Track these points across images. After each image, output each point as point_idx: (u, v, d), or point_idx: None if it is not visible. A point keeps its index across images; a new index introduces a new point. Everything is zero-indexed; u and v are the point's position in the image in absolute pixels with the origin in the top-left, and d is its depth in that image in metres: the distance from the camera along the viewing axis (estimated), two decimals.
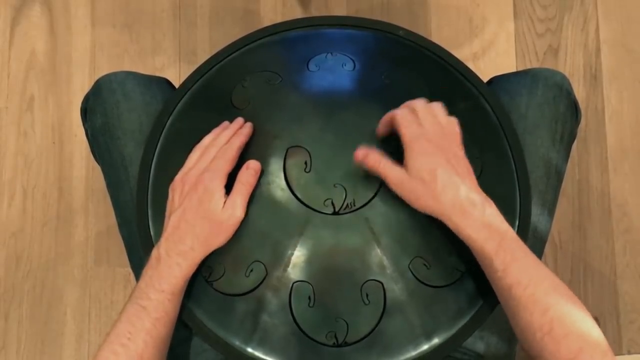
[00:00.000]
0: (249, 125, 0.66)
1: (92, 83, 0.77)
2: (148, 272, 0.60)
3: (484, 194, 0.60)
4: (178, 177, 0.64)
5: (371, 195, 0.63)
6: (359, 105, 0.67)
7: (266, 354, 0.62)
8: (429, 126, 0.61)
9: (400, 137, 0.60)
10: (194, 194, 0.61)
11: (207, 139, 0.65)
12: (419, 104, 0.63)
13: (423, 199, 0.59)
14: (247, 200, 0.61)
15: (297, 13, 1.29)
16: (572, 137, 0.76)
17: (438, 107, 0.64)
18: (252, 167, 0.62)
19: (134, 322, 0.58)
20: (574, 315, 0.56)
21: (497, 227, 0.58)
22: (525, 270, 0.57)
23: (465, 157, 0.62)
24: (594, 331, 0.55)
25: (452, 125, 0.63)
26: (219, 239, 0.61)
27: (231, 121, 0.67)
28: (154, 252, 0.61)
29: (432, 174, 0.58)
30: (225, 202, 0.60)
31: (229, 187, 0.62)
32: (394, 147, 0.62)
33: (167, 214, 0.63)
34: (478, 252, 0.58)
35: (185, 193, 0.62)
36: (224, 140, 0.64)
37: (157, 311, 0.59)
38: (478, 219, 0.58)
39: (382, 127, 0.64)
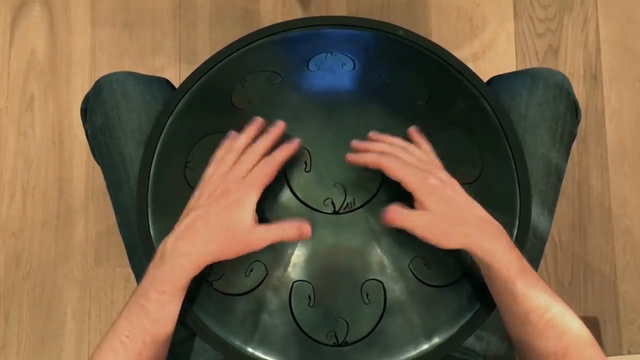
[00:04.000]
0: (297, 141, 0.61)
1: (92, 83, 0.77)
2: (151, 270, 0.59)
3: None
4: (213, 179, 0.60)
5: (371, 194, 0.63)
6: (359, 105, 0.68)
7: (266, 353, 0.62)
8: (420, 165, 0.60)
9: (402, 183, 0.58)
10: (223, 199, 0.58)
11: (242, 140, 0.61)
12: (392, 149, 0.61)
13: (450, 236, 0.57)
14: (274, 242, 0.58)
15: (297, 13, 1.29)
16: (572, 137, 0.76)
17: (409, 145, 0.62)
18: (303, 231, 0.58)
19: (133, 321, 0.58)
20: (584, 339, 0.57)
21: (516, 253, 0.58)
22: (541, 295, 0.57)
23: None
24: (599, 354, 0.57)
25: (430, 155, 0.62)
26: (231, 252, 0.58)
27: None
28: (160, 247, 0.59)
29: (453, 207, 0.58)
30: (255, 226, 0.58)
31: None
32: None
33: (185, 211, 0.60)
34: (504, 277, 0.57)
35: (215, 196, 0.59)
36: (263, 149, 0.60)
37: (157, 312, 0.58)
38: (504, 241, 0.58)
39: (354, 159, 0.61)
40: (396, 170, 0.59)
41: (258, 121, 0.64)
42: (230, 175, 0.60)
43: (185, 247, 0.58)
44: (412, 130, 0.65)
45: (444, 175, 0.60)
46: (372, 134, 0.64)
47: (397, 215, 0.58)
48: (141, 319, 0.58)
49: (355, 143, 0.62)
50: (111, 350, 0.57)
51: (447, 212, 0.58)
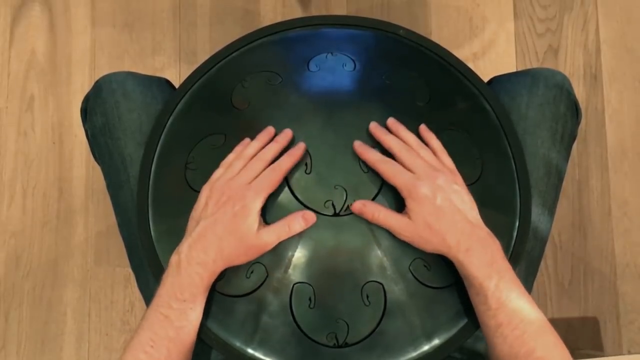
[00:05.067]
0: (301, 147, 0.63)
1: (92, 83, 0.77)
2: (168, 279, 0.59)
3: (486, 228, 0.61)
4: (218, 184, 0.61)
5: (371, 196, 0.63)
6: (360, 105, 0.67)
7: (267, 354, 0.62)
8: (420, 169, 0.61)
9: (394, 186, 0.61)
10: (230, 208, 0.59)
11: (252, 148, 0.63)
12: (399, 147, 0.62)
13: (429, 243, 0.60)
14: (282, 239, 0.60)
15: (297, 13, 1.29)
16: (572, 137, 0.76)
17: (420, 146, 0.64)
18: (307, 218, 0.60)
19: (156, 331, 0.58)
20: (557, 358, 0.57)
21: (498, 266, 0.59)
22: (517, 312, 0.57)
23: (465, 186, 0.62)
24: None
25: (442, 160, 0.63)
26: (241, 259, 0.60)
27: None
28: (174, 258, 0.60)
29: (436, 218, 0.59)
30: (261, 229, 0.59)
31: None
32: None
33: (194, 216, 0.62)
34: (477, 288, 0.59)
35: (221, 203, 0.60)
36: (270, 156, 0.62)
37: (180, 320, 0.58)
38: (481, 256, 0.58)
39: (360, 150, 0.63)
40: (390, 177, 0.61)
41: (269, 130, 0.65)
42: (235, 182, 0.61)
43: (200, 256, 0.59)
44: (423, 129, 0.66)
45: (443, 181, 0.60)
46: (391, 122, 0.65)
47: (370, 211, 0.60)
48: (165, 328, 0.58)
49: (373, 127, 0.64)
50: None
51: (430, 222, 0.59)
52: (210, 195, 0.61)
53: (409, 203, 0.60)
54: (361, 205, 0.61)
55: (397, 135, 0.64)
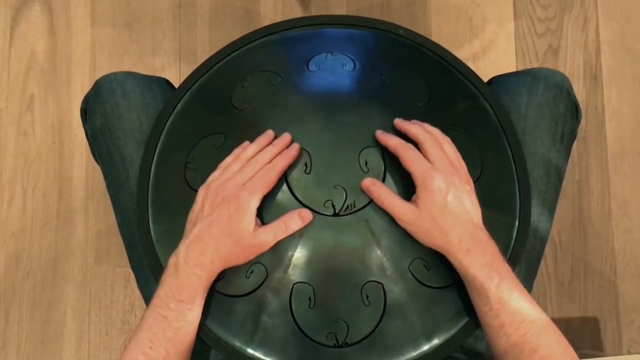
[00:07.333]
0: (296, 147, 0.64)
1: (92, 83, 0.77)
2: (167, 280, 0.60)
3: (487, 232, 0.61)
4: (213, 185, 0.62)
5: None
6: (360, 105, 0.67)
7: (266, 354, 0.62)
8: (439, 162, 0.61)
9: (409, 172, 0.61)
10: (225, 209, 0.59)
11: (249, 151, 0.64)
12: (424, 136, 0.63)
13: (430, 236, 0.59)
14: (280, 238, 0.60)
15: (297, 13, 1.29)
16: (572, 137, 0.76)
17: (445, 141, 0.64)
18: (304, 216, 0.61)
19: (155, 331, 0.58)
20: (561, 357, 0.57)
21: (498, 267, 0.59)
22: (519, 311, 0.57)
23: (474, 191, 0.62)
24: None
25: (460, 160, 0.63)
26: (240, 259, 0.60)
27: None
28: (172, 259, 0.60)
29: (443, 212, 0.59)
30: (258, 229, 0.60)
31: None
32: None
33: (190, 218, 0.62)
34: (478, 289, 0.58)
35: (216, 204, 0.60)
36: (267, 158, 0.63)
37: (178, 321, 0.59)
38: (481, 258, 0.58)
39: (382, 138, 0.64)
40: (408, 161, 0.61)
41: (269, 133, 0.65)
42: (230, 183, 0.61)
43: (197, 257, 0.59)
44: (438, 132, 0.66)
45: (457, 180, 0.60)
46: (416, 121, 0.66)
47: (377, 192, 0.61)
48: (163, 328, 0.58)
49: (397, 122, 0.65)
50: None
51: (436, 215, 0.59)
52: (206, 197, 0.61)
53: (420, 192, 0.59)
54: (370, 183, 0.61)
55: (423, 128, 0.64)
